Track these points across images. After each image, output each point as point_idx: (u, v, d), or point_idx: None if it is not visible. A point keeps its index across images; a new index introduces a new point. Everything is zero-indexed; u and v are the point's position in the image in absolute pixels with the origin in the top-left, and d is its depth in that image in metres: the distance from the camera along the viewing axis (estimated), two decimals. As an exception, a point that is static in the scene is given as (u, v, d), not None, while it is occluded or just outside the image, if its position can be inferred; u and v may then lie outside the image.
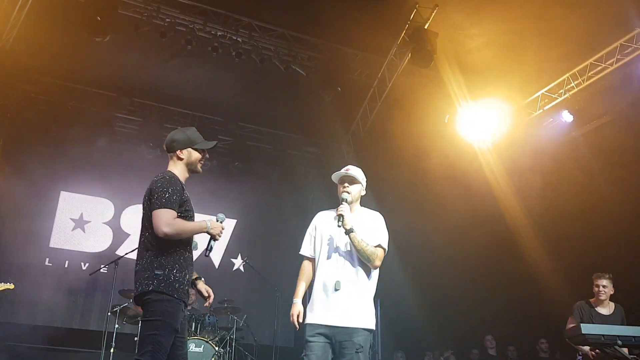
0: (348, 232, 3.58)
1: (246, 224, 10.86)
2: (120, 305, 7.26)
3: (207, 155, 3.72)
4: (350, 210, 3.72)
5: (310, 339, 3.54)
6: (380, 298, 11.42)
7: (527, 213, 8.97)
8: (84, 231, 9.93)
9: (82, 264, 9.63)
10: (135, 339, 7.08)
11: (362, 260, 3.63)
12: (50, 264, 9.46)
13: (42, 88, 9.44)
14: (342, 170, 3.85)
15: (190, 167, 3.61)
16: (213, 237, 3.49)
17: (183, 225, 3.27)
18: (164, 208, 3.21)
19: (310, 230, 3.90)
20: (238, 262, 10.59)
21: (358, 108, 9.85)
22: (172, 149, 3.56)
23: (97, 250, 9.84)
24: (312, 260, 3.81)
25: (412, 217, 10.03)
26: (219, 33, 8.13)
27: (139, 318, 7.29)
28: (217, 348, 7.05)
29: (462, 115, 8.92)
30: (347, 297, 3.57)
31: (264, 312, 10.00)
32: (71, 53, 8.56)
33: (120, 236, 10.07)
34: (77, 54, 8.61)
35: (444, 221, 9.75)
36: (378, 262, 3.68)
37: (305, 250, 3.85)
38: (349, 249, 3.65)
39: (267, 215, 10.98)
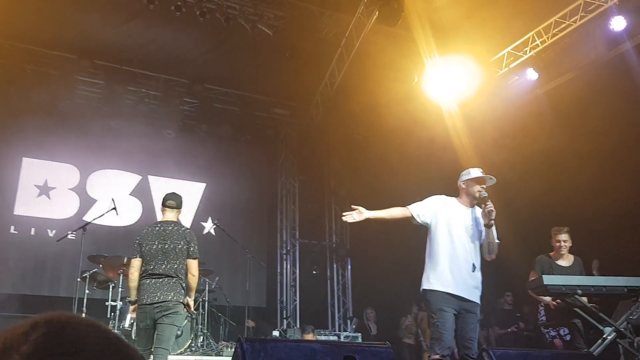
0: (490, 226, 4.16)
1: (215, 188, 10.81)
2: (89, 271, 7.21)
3: None
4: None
5: (445, 308, 4.05)
6: (351, 257, 11.69)
7: (489, 168, 9.13)
8: (49, 197, 9.73)
9: (49, 230, 9.47)
10: (107, 303, 7.09)
11: (482, 250, 4.22)
12: (16, 232, 9.28)
13: (-2, 51, 9.10)
14: (481, 173, 4.36)
15: None
16: (188, 306, 4.78)
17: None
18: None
19: (434, 203, 4.37)
20: (208, 226, 10.58)
21: (326, 68, 9.76)
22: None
23: (63, 217, 9.68)
24: (409, 216, 4.30)
25: (378, 173, 10.12)
26: (181, -9, 7.90)
27: (109, 283, 7.28)
28: (189, 310, 7.09)
29: (429, 74, 8.94)
30: (479, 279, 4.19)
31: (235, 274, 10.08)
32: (28, 14, 8.22)
33: (87, 202, 9.91)
34: (34, 15, 8.26)
35: (408, 176, 9.89)
36: (495, 256, 4.27)
37: (418, 210, 4.32)
38: (478, 236, 4.22)
39: (236, 178, 10.93)
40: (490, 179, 4.37)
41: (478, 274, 4.19)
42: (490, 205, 4.18)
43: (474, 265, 4.16)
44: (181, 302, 4.62)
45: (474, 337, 4.07)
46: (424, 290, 4.19)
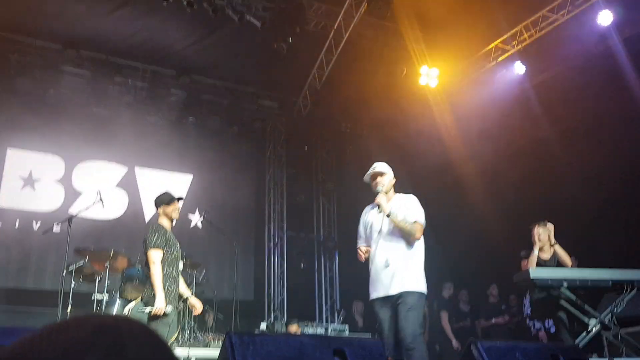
0: (387, 215, 4.22)
1: (202, 180, 10.75)
2: (75, 264, 7.13)
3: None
4: (387, 198, 4.37)
5: (379, 312, 4.25)
6: (338, 250, 11.70)
7: (476, 160, 9.19)
8: (34, 189, 9.61)
9: (34, 223, 9.36)
10: (93, 297, 7.03)
11: (404, 236, 4.23)
12: (0, 224, 9.17)
13: (-19, 40, 8.94)
14: (370, 170, 4.45)
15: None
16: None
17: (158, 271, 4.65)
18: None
19: (361, 220, 4.60)
20: (195, 218, 10.53)
21: (314, 60, 9.72)
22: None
23: (48, 209, 9.57)
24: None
25: (365, 166, 10.11)
26: (168, -19, 7.80)
27: (95, 276, 7.22)
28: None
29: (417, 66, 8.97)
30: (395, 270, 4.18)
31: (223, 267, 10.05)
32: (12, 3, 8.09)
33: (72, 194, 9.80)
34: (18, 4, 8.14)
35: (396, 169, 9.91)
36: (418, 235, 4.28)
37: (359, 242, 4.56)
38: (391, 229, 4.27)
39: (224, 170, 10.87)
40: (374, 170, 4.44)
41: (392, 267, 4.19)
42: (377, 199, 4.30)
43: (387, 260, 4.21)
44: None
45: (403, 325, 4.01)
46: (422, 293, 4.31)
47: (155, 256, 4.65)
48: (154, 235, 4.73)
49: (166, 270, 4.72)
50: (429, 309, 9.74)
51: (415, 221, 4.26)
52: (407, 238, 4.25)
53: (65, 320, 0.60)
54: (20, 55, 9.23)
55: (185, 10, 7.90)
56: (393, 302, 4.13)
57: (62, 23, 8.75)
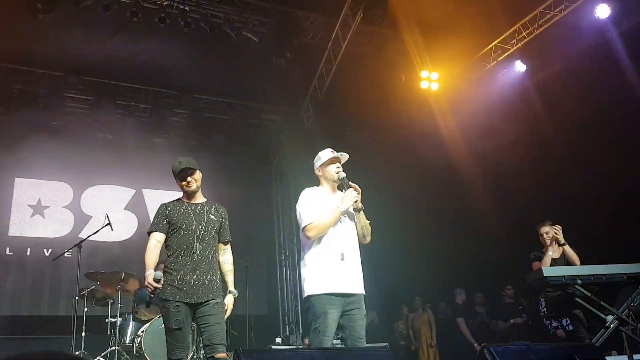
0: (359, 209, 3.89)
1: (210, 196, 10.72)
2: (87, 289, 7.15)
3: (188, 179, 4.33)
4: None
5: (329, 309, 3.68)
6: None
7: (480, 160, 9.15)
8: (43, 217, 9.68)
9: (45, 250, 9.42)
10: (106, 320, 7.04)
11: (358, 234, 3.93)
12: (11, 253, 9.22)
13: (-17, 72, 9.04)
14: (329, 151, 4.02)
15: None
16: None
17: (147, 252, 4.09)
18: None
19: (313, 200, 4.00)
20: (205, 235, 10.52)
21: (314, 71, 9.74)
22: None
23: (59, 235, 9.62)
24: None
25: (371, 173, 10.12)
26: (165, 3, 7.86)
27: (107, 300, 7.22)
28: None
29: (417, 70, 8.98)
30: (350, 266, 3.82)
31: (235, 283, 10.01)
32: (11, 34, 8.18)
33: (81, 219, 9.86)
34: (17, 35, 8.22)
35: (401, 173, 9.89)
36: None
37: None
38: (346, 224, 3.91)
39: (231, 185, 10.86)
40: (342, 155, 3.98)
41: (349, 263, 3.75)
42: (354, 185, 3.81)
43: (342, 254, 3.73)
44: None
45: (362, 334, 3.60)
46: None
47: (150, 239, 4.17)
48: (153, 218, 4.28)
49: (168, 259, 4.12)
50: (442, 316, 9.70)
51: (369, 222, 3.94)
52: (361, 237, 3.93)
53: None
54: (23, 85, 9.33)
55: (183, 31, 7.97)
56: (345, 302, 3.66)
57: (62, 50, 8.82)
